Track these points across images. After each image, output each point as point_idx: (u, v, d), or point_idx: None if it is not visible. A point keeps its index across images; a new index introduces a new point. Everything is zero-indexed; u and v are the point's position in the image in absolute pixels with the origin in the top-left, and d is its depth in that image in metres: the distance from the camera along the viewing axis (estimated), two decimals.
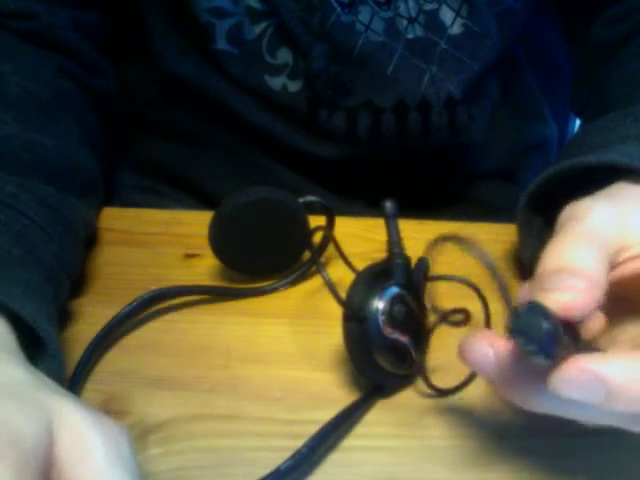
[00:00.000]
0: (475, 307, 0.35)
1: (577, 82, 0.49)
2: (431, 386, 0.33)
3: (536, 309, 0.24)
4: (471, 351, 0.26)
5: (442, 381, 0.33)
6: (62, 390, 0.26)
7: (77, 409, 0.24)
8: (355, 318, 0.31)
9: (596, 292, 0.25)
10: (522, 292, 0.28)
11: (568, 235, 0.27)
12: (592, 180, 0.32)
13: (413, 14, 0.44)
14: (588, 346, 0.26)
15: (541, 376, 0.24)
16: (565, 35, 0.51)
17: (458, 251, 0.42)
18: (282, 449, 0.29)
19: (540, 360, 0.24)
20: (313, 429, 0.30)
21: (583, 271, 0.25)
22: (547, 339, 0.23)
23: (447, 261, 0.41)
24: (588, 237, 0.27)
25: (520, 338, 0.24)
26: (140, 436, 0.31)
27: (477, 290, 0.34)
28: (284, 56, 0.45)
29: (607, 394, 0.23)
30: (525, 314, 0.24)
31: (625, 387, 0.23)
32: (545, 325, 0.23)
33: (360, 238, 0.42)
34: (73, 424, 0.23)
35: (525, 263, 0.39)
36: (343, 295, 0.31)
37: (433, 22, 0.44)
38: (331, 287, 0.31)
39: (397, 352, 0.32)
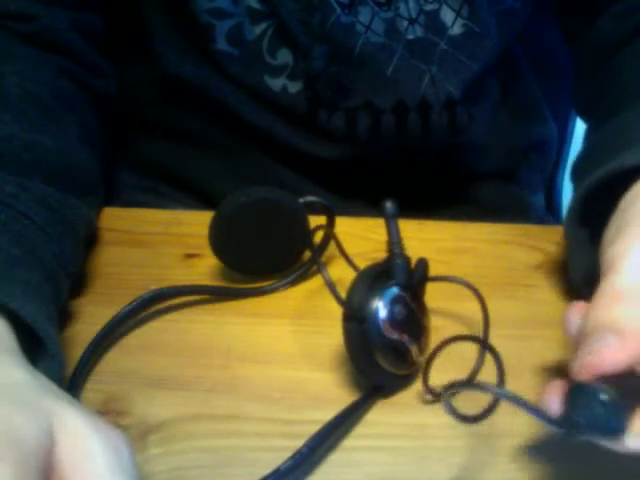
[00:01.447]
0: (474, 306, 0.35)
1: (579, 81, 0.49)
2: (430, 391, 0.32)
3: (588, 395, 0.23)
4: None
5: (443, 382, 0.33)
6: (62, 393, 0.26)
7: (77, 414, 0.24)
8: (355, 318, 0.31)
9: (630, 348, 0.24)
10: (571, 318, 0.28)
11: (606, 294, 0.27)
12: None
13: (413, 15, 0.44)
14: None
15: None
16: (565, 34, 0.50)
17: (457, 252, 0.42)
18: (282, 449, 0.29)
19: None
20: (313, 429, 0.30)
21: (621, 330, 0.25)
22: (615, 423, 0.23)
23: (446, 261, 0.41)
24: (624, 295, 0.26)
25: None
26: (140, 436, 0.31)
27: (475, 291, 0.34)
28: (284, 57, 0.45)
29: None
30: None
31: None
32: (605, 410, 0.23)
33: (360, 238, 0.42)
34: (73, 429, 0.23)
35: (576, 284, 0.37)
36: (343, 295, 0.31)
37: (433, 23, 0.44)
38: (331, 287, 0.31)
39: (397, 352, 0.32)
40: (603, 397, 0.23)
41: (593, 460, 0.30)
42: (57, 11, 0.42)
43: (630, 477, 0.30)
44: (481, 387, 0.28)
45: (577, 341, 0.27)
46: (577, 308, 0.28)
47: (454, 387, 0.27)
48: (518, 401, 0.24)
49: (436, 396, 0.32)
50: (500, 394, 0.27)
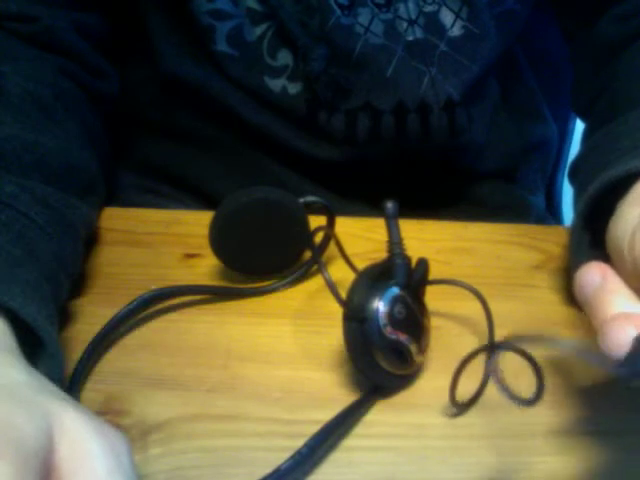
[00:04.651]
0: (474, 306, 0.35)
1: (579, 82, 0.49)
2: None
3: None
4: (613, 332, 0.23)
5: (443, 382, 0.34)
6: (62, 394, 0.26)
7: (78, 415, 0.24)
8: (355, 318, 0.31)
9: None
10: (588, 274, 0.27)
11: None
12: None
13: (413, 16, 0.44)
14: None
15: None
16: (564, 35, 0.51)
17: (457, 252, 0.42)
18: (282, 449, 0.29)
19: None
20: (313, 429, 0.30)
21: None
22: None
23: (446, 261, 0.41)
24: None
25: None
26: (140, 436, 0.31)
27: (477, 293, 0.34)
28: (284, 58, 0.45)
29: None
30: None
31: None
32: None
33: (360, 238, 0.42)
34: (73, 430, 0.23)
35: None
36: (343, 295, 0.31)
37: (433, 24, 0.44)
38: (332, 287, 0.31)
39: (397, 352, 0.32)
40: None
41: (593, 458, 0.30)
42: (58, 12, 0.43)
43: (630, 477, 0.30)
44: (545, 340, 0.25)
45: (593, 299, 0.26)
46: (596, 267, 0.27)
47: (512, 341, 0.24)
48: (583, 353, 0.23)
49: (460, 409, 0.32)
50: (565, 346, 0.25)
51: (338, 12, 0.43)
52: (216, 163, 0.50)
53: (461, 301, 0.36)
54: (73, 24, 0.43)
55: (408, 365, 0.33)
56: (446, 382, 0.33)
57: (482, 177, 0.52)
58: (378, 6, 0.44)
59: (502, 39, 0.47)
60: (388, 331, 0.31)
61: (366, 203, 0.49)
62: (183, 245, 0.42)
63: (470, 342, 0.36)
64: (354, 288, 0.31)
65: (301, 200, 0.38)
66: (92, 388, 0.33)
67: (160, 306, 0.37)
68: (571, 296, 0.39)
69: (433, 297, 0.35)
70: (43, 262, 0.33)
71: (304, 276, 0.40)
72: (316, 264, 0.40)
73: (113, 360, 0.35)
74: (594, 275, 0.26)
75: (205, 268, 0.40)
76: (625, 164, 0.32)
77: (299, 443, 0.29)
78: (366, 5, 0.43)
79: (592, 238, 0.35)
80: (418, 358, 0.33)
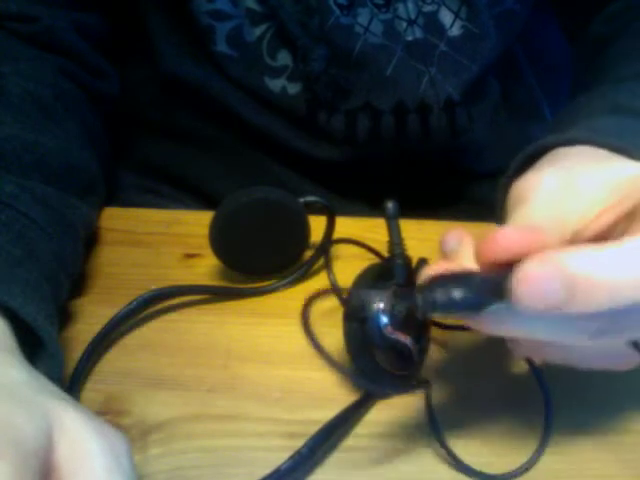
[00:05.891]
0: None
1: (577, 82, 0.49)
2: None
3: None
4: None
5: (443, 381, 0.33)
6: (62, 394, 0.26)
7: (77, 415, 0.24)
8: (356, 318, 0.31)
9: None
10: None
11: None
12: None
13: (412, 16, 0.44)
14: None
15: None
16: (565, 35, 0.51)
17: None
18: (282, 449, 0.29)
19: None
20: (313, 429, 0.30)
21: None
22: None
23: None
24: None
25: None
26: (140, 436, 0.31)
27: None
28: (284, 58, 0.45)
29: (569, 289, 0.22)
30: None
31: (589, 277, 0.22)
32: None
33: (360, 238, 0.42)
34: (72, 429, 0.23)
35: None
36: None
37: (432, 24, 0.44)
38: (335, 285, 0.31)
39: (398, 352, 0.32)
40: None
41: (593, 458, 0.30)
42: (58, 12, 0.43)
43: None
44: None
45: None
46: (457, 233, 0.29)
47: None
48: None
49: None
50: None
51: (337, 12, 0.43)
52: (216, 163, 0.50)
53: None
54: (73, 24, 0.43)
55: (408, 365, 0.33)
56: (446, 382, 0.33)
57: (482, 177, 0.52)
58: (377, 6, 0.44)
59: (502, 39, 0.47)
60: (388, 331, 0.31)
61: (366, 203, 0.49)
62: (183, 245, 0.42)
63: (471, 342, 0.36)
64: (355, 288, 0.31)
65: (301, 200, 0.38)
66: (92, 388, 0.33)
67: (160, 306, 0.37)
68: None
69: None
70: (43, 262, 0.33)
71: (304, 276, 0.40)
72: (316, 264, 0.40)
73: (113, 360, 0.35)
74: (453, 238, 0.28)
75: (205, 268, 0.40)
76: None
77: (299, 443, 0.29)
78: (365, 5, 0.43)
79: None
80: (418, 358, 0.33)
